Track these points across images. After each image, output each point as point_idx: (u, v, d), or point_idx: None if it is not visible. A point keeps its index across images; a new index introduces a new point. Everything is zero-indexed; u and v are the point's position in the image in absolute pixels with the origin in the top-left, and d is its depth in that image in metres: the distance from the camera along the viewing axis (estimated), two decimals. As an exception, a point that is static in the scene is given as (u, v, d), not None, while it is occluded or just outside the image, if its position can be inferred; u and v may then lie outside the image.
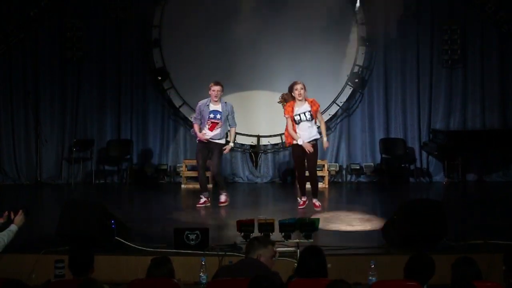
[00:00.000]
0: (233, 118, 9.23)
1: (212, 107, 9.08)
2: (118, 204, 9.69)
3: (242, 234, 6.33)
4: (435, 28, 11.83)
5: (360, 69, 11.86)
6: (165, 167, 11.90)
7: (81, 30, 11.71)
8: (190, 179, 11.52)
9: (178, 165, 11.82)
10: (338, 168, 11.83)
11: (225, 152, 9.20)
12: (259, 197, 9.56)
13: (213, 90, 9.04)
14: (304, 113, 8.67)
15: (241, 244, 6.14)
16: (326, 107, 11.81)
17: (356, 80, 11.81)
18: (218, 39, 11.73)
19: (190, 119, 11.91)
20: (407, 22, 11.74)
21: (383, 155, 11.62)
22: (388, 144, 11.72)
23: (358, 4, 11.68)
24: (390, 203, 9.77)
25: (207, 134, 9.06)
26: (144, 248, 6.38)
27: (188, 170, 11.54)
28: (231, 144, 9.28)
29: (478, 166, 11.78)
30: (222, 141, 9.20)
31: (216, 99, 9.06)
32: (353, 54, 11.84)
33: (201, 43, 11.77)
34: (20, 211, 5.78)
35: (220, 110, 9.09)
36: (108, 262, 6.09)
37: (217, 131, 9.07)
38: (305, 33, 11.69)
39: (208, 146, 9.11)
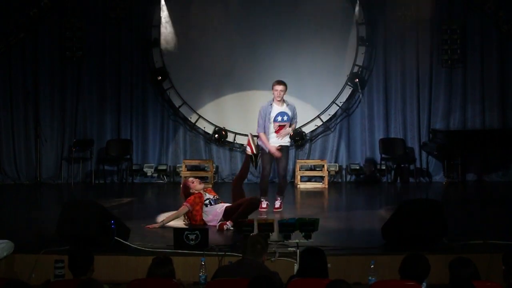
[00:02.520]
0: (296, 117, 8.72)
1: (278, 108, 8.49)
2: (117, 204, 9.68)
3: (242, 234, 6.33)
4: (434, 28, 11.82)
5: (360, 69, 11.85)
6: (164, 167, 11.89)
7: (81, 30, 11.72)
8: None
9: (178, 165, 11.81)
10: (337, 168, 11.82)
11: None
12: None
13: (276, 90, 8.45)
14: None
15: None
16: (325, 107, 11.82)
17: (356, 80, 11.80)
18: (218, 39, 11.73)
19: (189, 119, 11.94)
20: (406, 22, 11.74)
21: (383, 155, 11.62)
22: (387, 144, 11.71)
23: (357, 8, 11.67)
24: (390, 203, 9.77)
25: (275, 142, 8.48)
26: (144, 248, 6.37)
27: (187, 170, 11.53)
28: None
29: (477, 166, 11.77)
30: (289, 143, 8.78)
31: (279, 99, 8.46)
32: (352, 54, 11.83)
33: (201, 43, 11.77)
34: None
35: (287, 111, 8.51)
36: (107, 262, 6.08)
37: (285, 136, 8.57)
38: (305, 33, 11.69)
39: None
